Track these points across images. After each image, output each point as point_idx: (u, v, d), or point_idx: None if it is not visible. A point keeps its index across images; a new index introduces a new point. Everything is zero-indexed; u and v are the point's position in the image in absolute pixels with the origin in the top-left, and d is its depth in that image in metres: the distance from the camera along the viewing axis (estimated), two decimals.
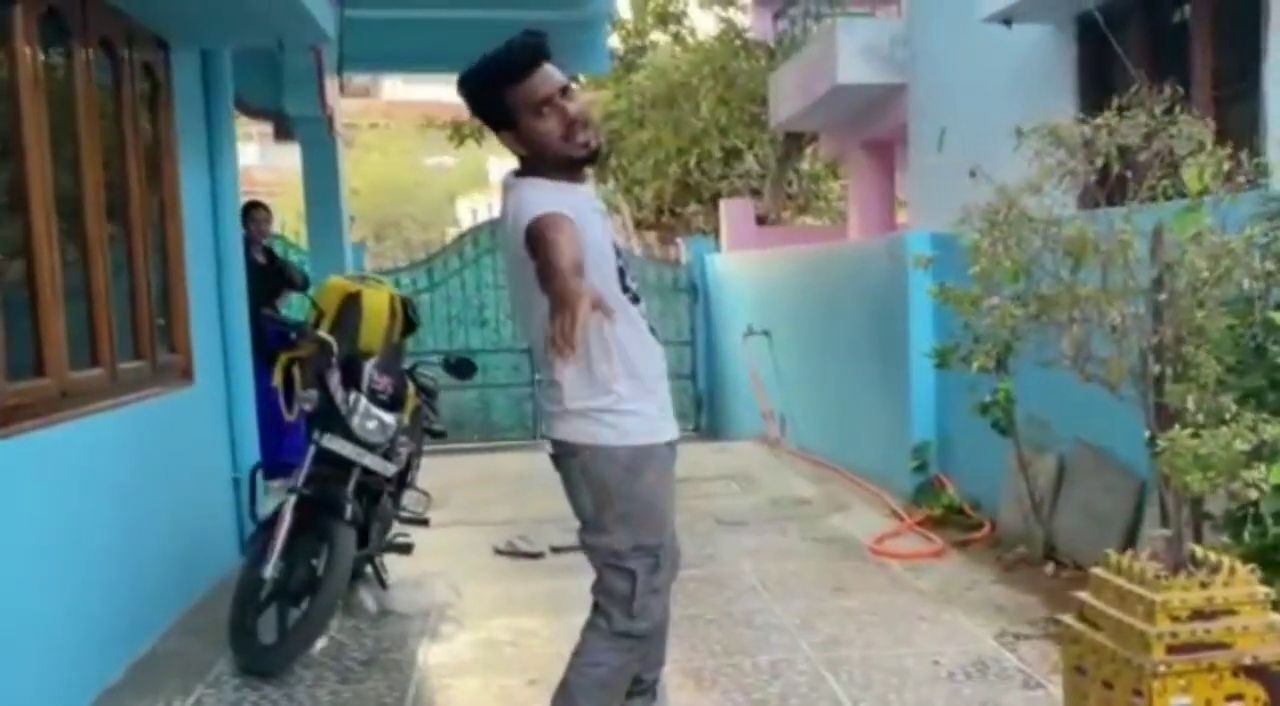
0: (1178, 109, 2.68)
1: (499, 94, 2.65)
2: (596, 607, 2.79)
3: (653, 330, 2.83)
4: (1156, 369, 2.59)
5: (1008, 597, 4.67)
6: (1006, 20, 7.06)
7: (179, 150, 5.19)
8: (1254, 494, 2.39)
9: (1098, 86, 6.63)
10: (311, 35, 5.55)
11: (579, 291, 2.26)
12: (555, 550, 5.60)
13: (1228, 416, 2.49)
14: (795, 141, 15.36)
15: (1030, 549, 5.10)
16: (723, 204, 14.84)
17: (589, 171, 2.88)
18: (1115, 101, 2.78)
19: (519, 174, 2.76)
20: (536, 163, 2.73)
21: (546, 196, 2.62)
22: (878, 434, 6.98)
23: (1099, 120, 2.71)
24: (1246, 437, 2.34)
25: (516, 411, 12.08)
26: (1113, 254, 2.57)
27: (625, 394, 2.69)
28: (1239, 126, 5.61)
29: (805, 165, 17.09)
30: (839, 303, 7.75)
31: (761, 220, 14.72)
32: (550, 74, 2.66)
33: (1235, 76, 5.99)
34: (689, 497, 6.81)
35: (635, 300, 2.78)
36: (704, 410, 12.41)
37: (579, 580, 2.92)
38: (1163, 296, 2.53)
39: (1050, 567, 4.91)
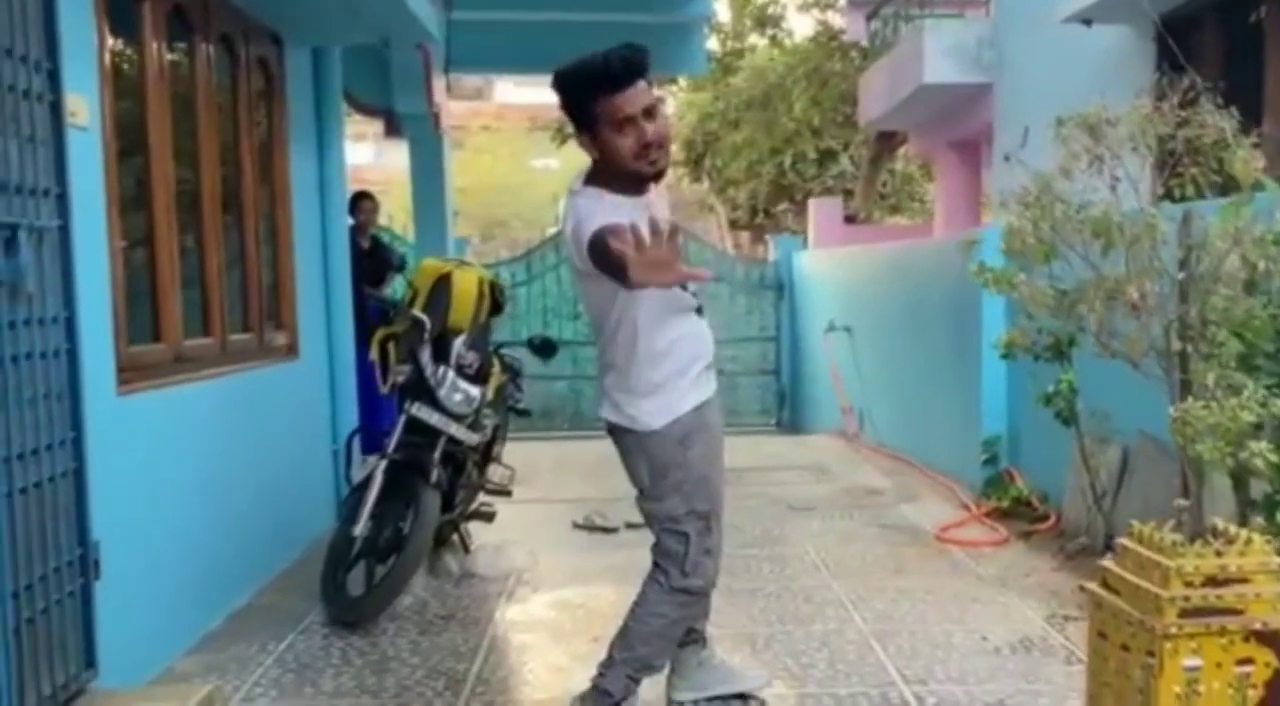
0: (1201, 101, 2.81)
1: (586, 100, 2.76)
2: (656, 566, 3.08)
3: (699, 310, 3.04)
4: (1179, 346, 2.73)
5: (1064, 584, 4.74)
6: (1086, 20, 7.09)
7: (290, 142, 5.51)
8: (1260, 463, 2.52)
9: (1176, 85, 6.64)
10: (416, 34, 5.85)
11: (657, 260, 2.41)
12: (630, 526, 5.83)
13: (1245, 393, 2.62)
14: (887, 142, 15.40)
15: (1092, 539, 5.18)
16: (811, 203, 14.95)
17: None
18: (1143, 95, 2.92)
19: (586, 181, 2.91)
20: (603, 170, 2.88)
21: (603, 210, 2.77)
22: (951, 428, 7.06)
23: (1128, 109, 2.85)
24: (1253, 410, 2.48)
25: None
26: (1139, 236, 2.72)
27: (663, 377, 2.92)
28: None
29: (898, 166, 17.10)
30: (917, 299, 7.84)
31: (851, 219, 14.79)
32: (639, 93, 2.74)
33: None
34: (763, 485, 7.01)
35: (683, 287, 2.97)
36: (786, 405, 12.55)
37: (650, 555, 3.17)
38: (1181, 275, 2.67)
39: (1110, 558, 4.96)
